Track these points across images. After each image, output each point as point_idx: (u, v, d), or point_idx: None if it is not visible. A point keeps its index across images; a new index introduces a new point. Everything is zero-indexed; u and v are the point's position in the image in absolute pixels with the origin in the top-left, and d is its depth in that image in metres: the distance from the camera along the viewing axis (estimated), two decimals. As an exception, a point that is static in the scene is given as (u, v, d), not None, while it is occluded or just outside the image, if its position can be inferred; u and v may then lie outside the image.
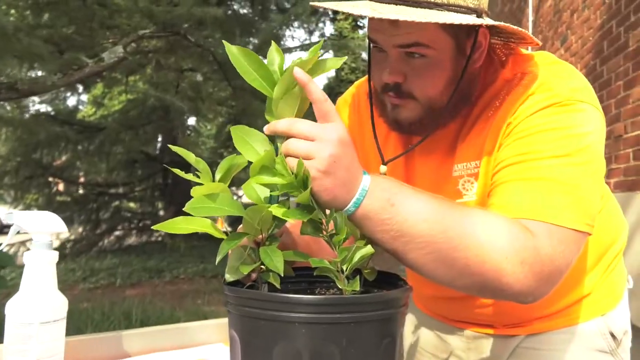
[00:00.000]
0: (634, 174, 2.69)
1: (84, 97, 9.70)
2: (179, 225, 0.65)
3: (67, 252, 7.55)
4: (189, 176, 0.67)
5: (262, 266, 0.66)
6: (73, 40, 4.29)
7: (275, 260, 0.64)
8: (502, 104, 0.79)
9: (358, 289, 0.63)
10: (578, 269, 0.88)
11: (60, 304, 0.73)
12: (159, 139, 9.53)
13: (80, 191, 8.94)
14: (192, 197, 0.63)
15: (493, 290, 0.66)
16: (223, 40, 0.71)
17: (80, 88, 7.40)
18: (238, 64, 0.65)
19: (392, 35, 0.74)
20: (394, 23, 0.72)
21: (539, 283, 0.66)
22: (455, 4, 0.72)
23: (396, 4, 0.72)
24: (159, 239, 9.40)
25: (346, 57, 0.74)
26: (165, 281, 6.32)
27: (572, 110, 0.74)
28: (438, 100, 0.78)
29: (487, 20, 0.73)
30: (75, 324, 3.43)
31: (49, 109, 8.24)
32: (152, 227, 0.69)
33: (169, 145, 0.75)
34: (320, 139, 0.61)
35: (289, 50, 6.92)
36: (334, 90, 10.97)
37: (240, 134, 0.67)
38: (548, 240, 0.67)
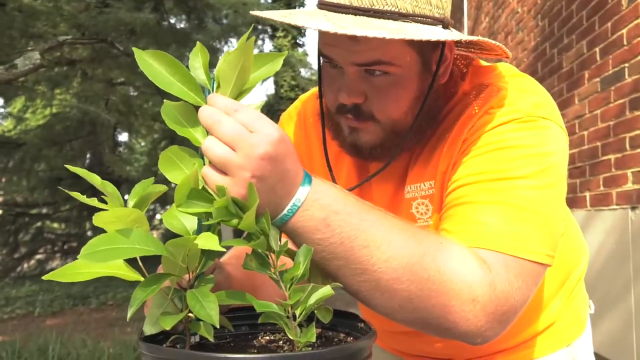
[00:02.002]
0: (570, 191, 2.75)
1: (2, 111, 9.05)
2: (79, 272, 0.51)
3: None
4: (93, 201, 0.52)
5: (190, 314, 0.52)
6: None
7: (208, 307, 0.50)
8: (458, 119, 0.71)
9: (314, 339, 0.51)
10: (541, 297, 0.82)
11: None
12: (87, 155, 9.04)
13: (-3, 212, 8.27)
14: None
15: (437, 327, 0.60)
16: (133, 47, 0.59)
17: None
18: (148, 69, 0.54)
19: (350, 51, 0.65)
20: (354, 38, 0.61)
21: (491, 324, 0.60)
22: (421, 14, 0.64)
23: (355, 14, 0.63)
24: (86, 262, 8.84)
25: (286, 53, 0.62)
26: (90, 308, 5.89)
27: (534, 127, 0.67)
28: (402, 122, 0.69)
29: (463, 36, 0.65)
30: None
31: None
32: (42, 278, 0.53)
33: (66, 165, 0.61)
34: (243, 152, 0.50)
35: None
36: (273, 108, 10.92)
37: (170, 155, 0.55)
38: (504, 274, 0.61)
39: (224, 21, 6.80)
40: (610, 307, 2.27)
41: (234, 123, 0.51)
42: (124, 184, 7.52)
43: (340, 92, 0.68)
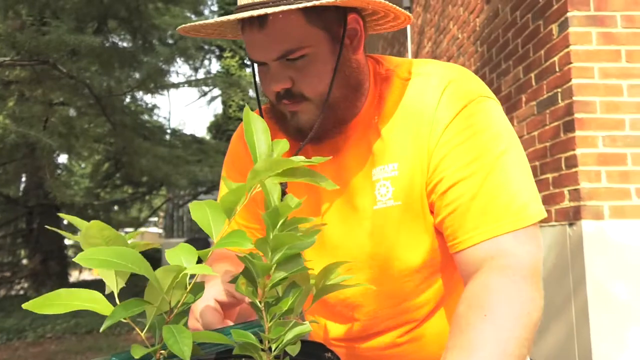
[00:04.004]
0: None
1: None
2: (58, 303, 0.50)
3: None
4: (79, 238, 0.52)
5: (163, 351, 0.52)
6: None
7: (182, 343, 0.50)
8: (409, 104, 0.80)
9: (288, 374, 0.52)
10: None
11: None
12: (23, 178, 8.57)
13: None
14: (61, 241, 0.48)
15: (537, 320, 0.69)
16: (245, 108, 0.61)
17: None
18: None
19: (266, 48, 0.74)
20: (265, 34, 0.72)
21: (539, 292, 0.70)
22: None
23: (259, 9, 0.70)
24: (21, 292, 8.33)
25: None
26: (27, 342, 5.52)
27: (488, 105, 0.77)
28: (333, 94, 0.77)
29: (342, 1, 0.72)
30: None
31: None
32: (24, 305, 0.52)
33: (60, 214, 0.60)
34: None
35: (174, 85, 6.66)
36: (221, 128, 10.81)
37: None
38: (521, 247, 0.70)
39: (170, 41, 6.71)
40: (553, 319, 2.38)
41: None
42: (64, 209, 7.18)
43: (271, 83, 0.76)
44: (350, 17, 0.77)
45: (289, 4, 0.69)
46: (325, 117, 0.77)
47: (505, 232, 0.70)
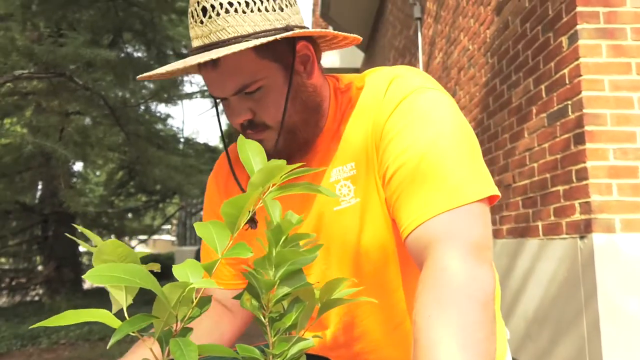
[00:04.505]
0: (523, 221, 2.87)
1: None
2: (67, 317, 0.52)
3: None
4: (93, 250, 0.54)
5: None
6: None
7: (188, 356, 0.52)
8: (363, 106, 0.83)
9: (291, 390, 0.54)
10: None
11: None
12: (39, 186, 8.70)
13: (-61, 247, 7.80)
14: (76, 249, 0.50)
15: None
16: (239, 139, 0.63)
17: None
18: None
19: (222, 85, 0.78)
20: (220, 72, 0.76)
21: (484, 269, 0.67)
22: (263, 30, 0.75)
23: (210, 50, 0.75)
24: (36, 298, 8.43)
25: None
26: (41, 349, 5.59)
27: (428, 95, 0.79)
28: (289, 120, 0.80)
29: (283, 33, 0.75)
30: None
31: None
32: (31, 327, 0.54)
33: (77, 227, 0.64)
34: None
35: (188, 96, 6.74)
36: (233, 137, 10.85)
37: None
38: (456, 226, 0.69)
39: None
40: (564, 333, 2.36)
41: None
42: (79, 217, 7.27)
43: (233, 117, 0.81)
44: (299, 45, 0.80)
45: (237, 42, 0.73)
46: (289, 140, 0.81)
47: (439, 212, 0.69)
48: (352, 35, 0.82)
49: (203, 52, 0.75)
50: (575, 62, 2.32)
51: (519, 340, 2.80)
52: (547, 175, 2.59)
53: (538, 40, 2.70)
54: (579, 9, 2.31)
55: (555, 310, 2.45)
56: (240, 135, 0.60)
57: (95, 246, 0.52)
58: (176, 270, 0.54)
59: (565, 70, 2.41)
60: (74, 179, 9.20)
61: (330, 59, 10.38)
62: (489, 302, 0.63)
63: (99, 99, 4.38)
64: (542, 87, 2.65)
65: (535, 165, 2.73)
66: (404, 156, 0.75)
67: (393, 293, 0.85)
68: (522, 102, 2.92)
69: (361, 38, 0.84)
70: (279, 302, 0.57)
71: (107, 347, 0.52)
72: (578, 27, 2.31)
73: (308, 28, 0.83)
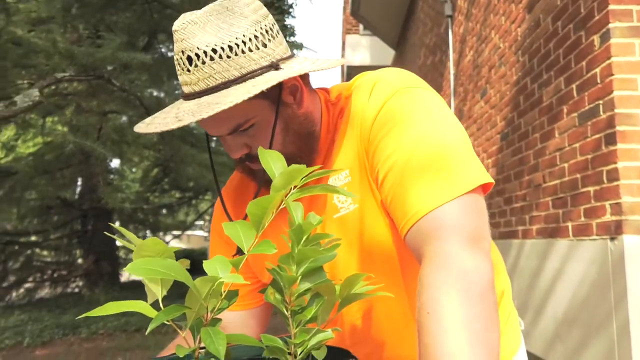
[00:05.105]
0: (553, 221, 2.84)
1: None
2: (109, 308, 0.58)
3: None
4: (132, 246, 0.60)
5: (201, 350, 0.60)
6: (-17, 80, 3.99)
7: (217, 343, 0.57)
8: (351, 113, 0.84)
9: (310, 376, 0.59)
10: None
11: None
12: (79, 183, 9.03)
13: (-14, 240, 8.19)
14: (113, 243, 0.56)
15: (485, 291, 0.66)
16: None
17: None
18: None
19: (217, 127, 0.79)
20: (213, 118, 0.76)
21: (482, 261, 0.67)
22: (249, 71, 0.76)
23: (200, 97, 0.76)
24: (76, 290, 8.76)
25: None
26: (81, 338, 5.82)
27: (412, 94, 0.80)
28: (285, 151, 0.82)
29: (270, 82, 0.75)
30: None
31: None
32: (78, 317, 0.61)
33: (117, 227, 0.69)
34: None
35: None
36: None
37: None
38: (449, 218, 0.69)
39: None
40: (594, 335, 2.34)
41: None
42: (116, 213, 7.52)
43: (230, 152, 0.83)
44: (285, 81, 0.80)
45: (226, 87, 0.75)
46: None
47: (432, 208, 0.69)
48: (338, 60, 0.83)
49: (193, 98, 0.77)
50: (607, 61, 2.29)
51: (548, 340, 2.78)
52: (578, 176, 2.56)
53: (569, 38, 2.67)
54: (611, 7, 2.27)
55: (584, 312, 2.43)
56: (260, 148, 0.63)
57: (132, 243, 0.58)
58: (206, 265, 0.60)
59: (597, 70, 2.37)
60: (111, 176, 9.51)
61: (360, 56, 10.37)
62: (486, 292, 0.64)
63: (134, 99, 4.54)
64: (573, 86, 2.62)
65: (566, 165, 2.70)
66: (392, 158, 0.76)
67: (398, 293, 0.85)
68: (552, 101, 2.88)
69: (345, 61, 0.86)
70: (300, 297, 0.62)
71: (146, 333, 0.58)
72: (610, 25, 2.27)
73: (293, 54, 0.84)
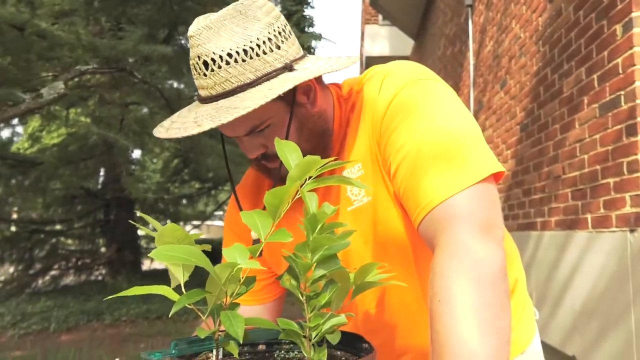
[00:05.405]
0: (572, 213, 2.82)
1: (19, 129, 9.27)
2: (135, 290, 0.62)
3: (-5, 295, 7.04)
4: (155, 234, 0.63)
5: (220, 332, 0.63)
6: (8, 72, 4.08)
7: (236, 326, 0.60)
8: (362, 107, 0.86)
9: (325, 358, 0.61)
10: None
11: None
12: (101, 172, 9.20)
13: (13, 228, 8.42)
14: (135, 232, 0.60)
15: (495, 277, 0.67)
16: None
17: (15, 120, 7.05)
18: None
19: (233, 129, 0.81)
20: (229, 122, 0.77)
21: (494, 249, 0.68)
22: (264, 73, 0.78)
23: (217, 100, 0.78)
24: (99, 278, 8.96)
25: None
26: (105, 324, 5.98)
27: (422, 85, 0.81)
28: (302, 149, 0.83)
29: (286, 86, 0.76)
30: (2, 379, 3.14)
31: (-20, 141, 7.80)
32: (105, 299, 0.65)
33: (140, 213, 0.72)
34: None
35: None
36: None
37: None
38: (461, 207, 0.69)
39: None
40: (612, 327, 2.33)
41: None
42: (138, 203, 7.65)
43: (247, 152, 0.85)
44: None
45: (242, 91, 0.76)
46: None
47: (445, 198, 0.70)
48: (350, 59, 0.83)
49: (210, 102, 0.79)
50: (629, 51, 2.25)
51: (566, 332, 2.77)
52: (598, 167, 2.54)
53: (591, 28, 2.63)
54: (634, -5, 2.23)
55: (603, 304, 2.42)
56: (276, 139, 0.65)
57: (155, 230, 0.61)
58: (226, 252, 0.63)
59: (619, 60, 2.34)
60: (133, 167, 9.67)
61: (379, 47, 10.30)
62: (497, 280, 0.65)
63: (155, 91, 4.61)
64: (594, 76, 2.58)
65: (586, 156, 2.67)
66: (404, 149, 0.76)
67: (412, 283, 0.86)
68: (573, 92, 2.85)
69: (356, 60, 0.85)
70: (315, 283, 0.64)
71: (169, 315, 0.61)
72: (633, 14, 2.23)
73: (306, 54, 0.84)
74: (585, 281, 2.61)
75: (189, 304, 0.60)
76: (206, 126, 0.75)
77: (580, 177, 2.74)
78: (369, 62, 10.65)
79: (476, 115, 4.99)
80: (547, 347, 2.88)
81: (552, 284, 2.97)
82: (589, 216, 2.63)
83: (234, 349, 0.61)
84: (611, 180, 2.40)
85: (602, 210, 2.49)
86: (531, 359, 0.95)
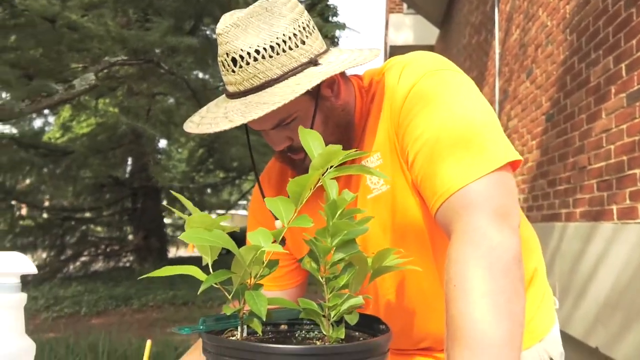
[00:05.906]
0: (598, 204, 2.79)
1: (50, 119, 9.52)
2: (166, 270, 0.66)
3: (29, 279, 7.29)
4: (186, 216, 0.67)
5: (245, 311, 0.67)
6: (41, 64, 4.21)
7: (260, 305, 0.64)
8: (381, 97, 0.88)
9: (343, 336, 0.64)
10: None
11: (26, 350, 0.71)
12: (129, 162, 9.41)
13: (45, 216, 8.70)
14: (161, 220, 0.63)
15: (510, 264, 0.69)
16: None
17: (47, 110, 7.25)
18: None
19: (261, 123, 0.83)
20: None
21: (511, 236, 0.70)
22: (291, 69, 0.80)
23: (245, 96, 0.80)
24: (127, 264, 9.20)
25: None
26: (133, 309, 6.15)
27: (441, 75, 0.83)
28: (327, 142, 0.85)
29: (313, 81, 0.78)
30: (39, 359, 3.28)
31: (14, 131, 8.05)
32: (139, 278, 0.69)
33: (175, 193, 0.75)
34: None
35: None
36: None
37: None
38: (478, 195, 0.71)
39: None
40: (635, 319, 2.31)
41: None
42: (164, 191, 7.81)
43: (273, 145, 0.87)
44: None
45: (269, 86, 0.79)
46: None
47: (462, 185, 0.72)
48: (373, 52, 0.85)
49: (238, 97, 0.81)
50: (659, 39, 2.21)
51: (590, 324, 2.76)
52: (624, 158, 2.50)
53: (620, 16, 2.58)
54: (664, -18, 2.18)
55: (627, 296, 2.39)
56: (300, 127, 0.68)
57: (189, 214, 0.65)
58: (250, 236, 0.67)
59: (648, 48, 2.29)
60: (159, 156, 9.85)
61: (403, 36, 10.20)
62: (511, 267, 0.67)
63: (182, 82, 4.69)
64: (622, 65, 2.54)
65: (612, 147, 2.63)
66: (422, 138, 0.78)
67: (430, 270, 0.87)
68: (600, 81, 2.80)
69: (379, 52, 0.86)
70: (334, 266, 0.68)
71: (198, 293, 0.65)
72: (663, 2, 2.19)
73: (329, 48, 0.87)
74: (609, 273, 2.58)
75: (216, 284, 0.64)
76: (237, 122, 0.77)
77: (606, 167, 2.70)
78: (393, 51, 10.56)
79: (501, 104, 4.93)
80: (570, 339, 2.87)
81: (576, 276, 2.94)
82: (614, 207, 2.60)
83: (257, 327, 0.65)
84: (638, 171, 2.37)
85: (628, 202, 2.46)
86: (549, 347, 0.96)
